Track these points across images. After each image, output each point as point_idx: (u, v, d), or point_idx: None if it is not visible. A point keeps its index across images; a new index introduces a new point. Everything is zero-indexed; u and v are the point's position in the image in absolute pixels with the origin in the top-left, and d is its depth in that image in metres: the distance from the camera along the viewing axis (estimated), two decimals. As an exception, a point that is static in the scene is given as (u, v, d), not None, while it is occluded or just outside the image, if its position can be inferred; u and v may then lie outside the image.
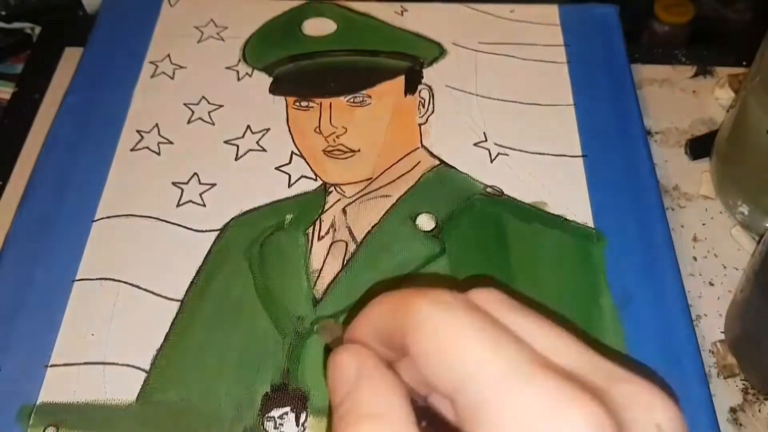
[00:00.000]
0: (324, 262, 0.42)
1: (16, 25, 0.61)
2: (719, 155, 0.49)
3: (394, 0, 0.56)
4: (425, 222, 0.44)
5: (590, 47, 0.53)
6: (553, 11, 0.55)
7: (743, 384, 0.41)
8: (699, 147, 0.51)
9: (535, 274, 0.42)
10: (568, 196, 0.45)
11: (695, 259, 0.46)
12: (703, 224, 0.48)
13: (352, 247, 0.43)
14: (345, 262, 0.42)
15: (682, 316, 0.40)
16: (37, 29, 0.59)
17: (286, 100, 0.50)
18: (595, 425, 0.20)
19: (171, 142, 0.48)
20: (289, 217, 0.44)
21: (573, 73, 0.51)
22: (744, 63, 0.56)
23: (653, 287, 0.41)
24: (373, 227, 0.44)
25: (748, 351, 0.42)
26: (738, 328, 0.42)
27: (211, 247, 0.43)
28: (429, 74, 0.52)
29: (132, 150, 0.47)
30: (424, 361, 0.23)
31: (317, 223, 0.44)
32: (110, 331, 0.40)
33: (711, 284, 0.45)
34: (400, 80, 0.51)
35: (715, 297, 0.45)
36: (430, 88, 0.51)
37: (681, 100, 0.55)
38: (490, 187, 0.46)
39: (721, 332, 0.43)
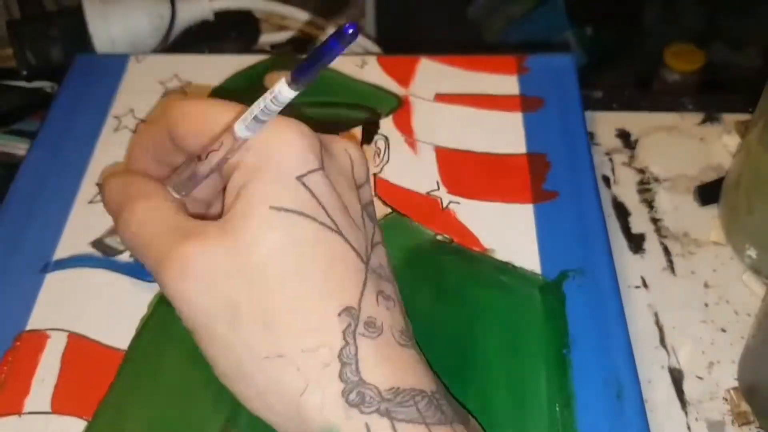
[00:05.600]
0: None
1: (36, 84, 0.62)
2: (727, 200, 0.49)
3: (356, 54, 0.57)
4: (374, 270, 0.44)
5: (546, 97, 0.54)
6: (510, 62, 0.56)
7: (758, 432, 0.41)
8: (707, 193, 0.51)
9: (481, 319, 0.42)
10: (517, 243, 0.45)
11: (707, 305, 0.46)
12: (714, 270, 0.48)
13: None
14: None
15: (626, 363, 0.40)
16: (57, 88, 0.60)
17: (243, 152, 0.51)
18: (305, 133, 0.32)
19: (128, 195, 0.49)
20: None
21: (527, 122, 0.52)
22: (750, 110, 0.55)
23: (598, 333, 0.41)
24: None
25: (763, 398, 0.41)
26: (751, 375, 0.42)
27: (161, 295, 0.43)
28: (386, 125, 0.53)
29: (90, 203, 0.48)
30: (184, 122, 0.32)
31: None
32: (56, 381, 0.40)
33: (723, 330, 0.45)
34: (357, 131, 0.52)
35: (728, 343, 0.45)
36: (386, 138, 0.52)
37: (689, 147, 0.55)
38: (440, 235, 0.46)
39: (735, 379, 0.43)
